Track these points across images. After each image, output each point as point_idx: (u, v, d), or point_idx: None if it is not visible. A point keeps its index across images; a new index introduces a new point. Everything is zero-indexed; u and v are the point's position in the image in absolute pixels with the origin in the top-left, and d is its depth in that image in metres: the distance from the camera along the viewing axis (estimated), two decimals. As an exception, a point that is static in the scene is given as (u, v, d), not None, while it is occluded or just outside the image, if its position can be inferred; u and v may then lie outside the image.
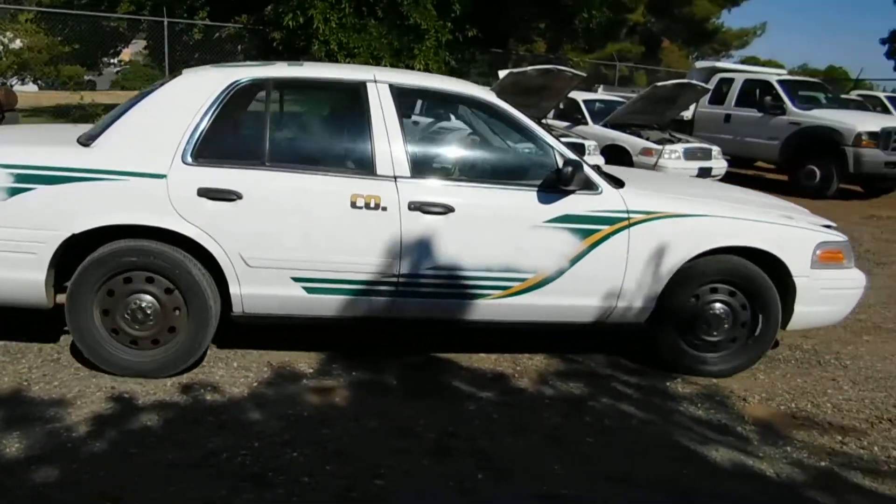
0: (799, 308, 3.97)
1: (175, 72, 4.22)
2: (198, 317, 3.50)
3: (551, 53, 18.29)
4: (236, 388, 3.42)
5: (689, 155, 10.78)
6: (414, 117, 4.59)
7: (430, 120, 4.62)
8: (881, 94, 17.70)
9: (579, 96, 12.55)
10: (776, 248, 3.91)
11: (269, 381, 3.52)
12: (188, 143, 3.48)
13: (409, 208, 3.59)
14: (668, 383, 3.84)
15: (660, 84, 11.72)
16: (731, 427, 3.41)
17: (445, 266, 3.68)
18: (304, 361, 3.78)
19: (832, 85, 18.08)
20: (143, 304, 3.45)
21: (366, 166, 3.66)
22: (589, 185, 3.75)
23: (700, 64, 15.78)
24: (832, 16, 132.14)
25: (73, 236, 3.37)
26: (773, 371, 4.12)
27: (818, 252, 3.96)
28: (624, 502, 2.74)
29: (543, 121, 11.09)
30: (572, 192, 3.70)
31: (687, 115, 13.11)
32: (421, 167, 3.77)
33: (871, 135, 10.58)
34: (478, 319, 3.88)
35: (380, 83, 3.76)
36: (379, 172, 3.62)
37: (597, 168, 4.07)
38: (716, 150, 11.28)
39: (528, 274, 3.73)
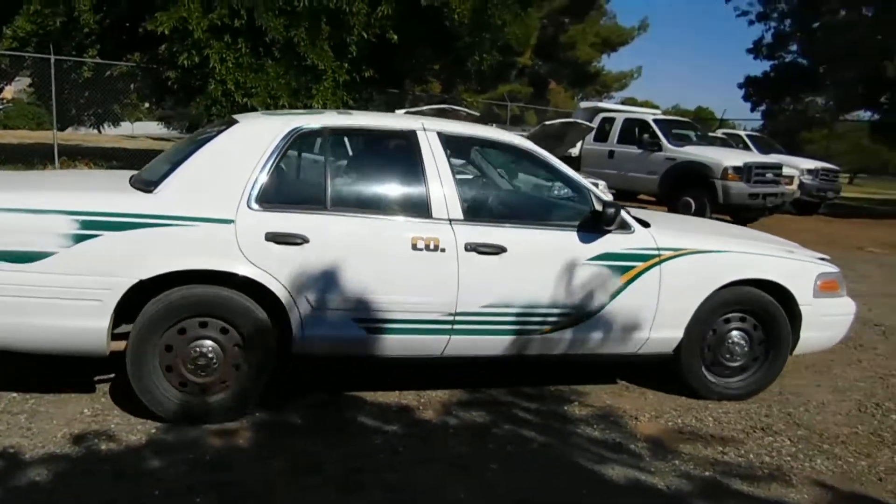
0: (805, 334, 4.29)
1: (228, 119, 4.11)
2: (260, 360, 3.50)
3: (446, 94, 18.66)
4: (133, 436, 3.24)
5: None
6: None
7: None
8: (742, 133, 18.99)
9: (473, 135, 12.80)
10: (786, 279, 4.22)
11: (169, 426, 3.36)
12: (252, 188, 3.49)
13: (466, 249, 3.68)
14: (565, 407, 3.93)
15: (548, 123, 12.11)
16: (624, 445, 3.52)
17: (499, 304, 3.77)
18: (205, 404, 3.65)
19: (701, 124, 19.28)
20: (205, 350, 3.40)
21: (422, 210, 3.72)
22: (624, 226, 3.95)
23: (584, 104, 16.48)
24: (699, 62, 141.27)
25: (141, 282, 3.29)
26: (659, 390, 4.29)
27: (818, 282, 4.29)
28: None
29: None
30: (609, 231, 3.89)
31: (574, 151, 13.62)
32: (473, 210, 3.88)
33: (736, 169, 11.32)
34: (528, 354, 3.98)
35: (429, 131, 3.90)
36: (435, 216, 3.70)
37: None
38: (602, 184, 11.67)
39: (573, 309, 3.88)
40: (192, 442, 3.22)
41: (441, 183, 3.77)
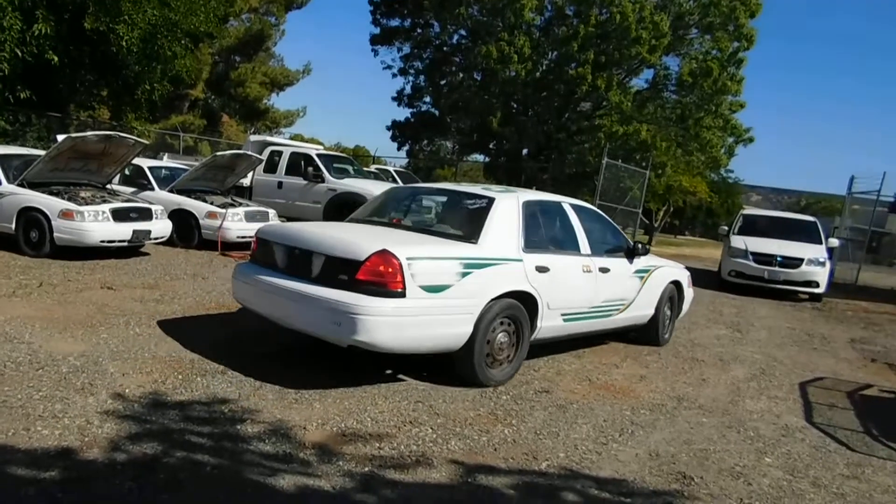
0: (684, 307, 7.39)
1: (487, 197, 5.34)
2: (524, 342, 5.10)
3: (115, 121, 16.75)
4: None
5: (250, 217, 10.86)
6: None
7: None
8: (391, 168, 20.35)
9: (145, 163, 11.71)
10: (682, 278, 7.16)
11: None
12: (520, 238, 5.12)
13: (600, 270, 5.79)
14: (238, 426, 3.70)
15: (220, 154, 11.61)
16: (294, 455, 3.44)
17: (607, 299, 5.92)
18: None
19: (358, 160, 20.14)
20: (502, 337, 4.91)
21: (576, 248, 5.72)
22: (644, 254, 6.47)
23: (253, 137, 16.08)
24: (357, 105, 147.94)
25: (491, 300, 4.70)
26: (326, 399, 4.30)
27: (688, 280, 7.36)
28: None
29: (109, 186, 10.07)
30: (637, 257, 6.36)
31: (246, 182, 13.22)
32: (592, 248, 5.85)
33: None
34: (610, 329, 6.27)
35: (565, 202, 6.05)
36: (582, 252, 5.73)
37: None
38: (272, 212, 11.58)
39: (626, 300, 6.23)
40: None
41: (578, 233, 5.80)
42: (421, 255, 4.45)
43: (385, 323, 4.22)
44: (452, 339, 4.59)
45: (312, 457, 3.44)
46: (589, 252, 5.76)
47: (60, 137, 8.86)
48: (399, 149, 32.25)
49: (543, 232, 5.53)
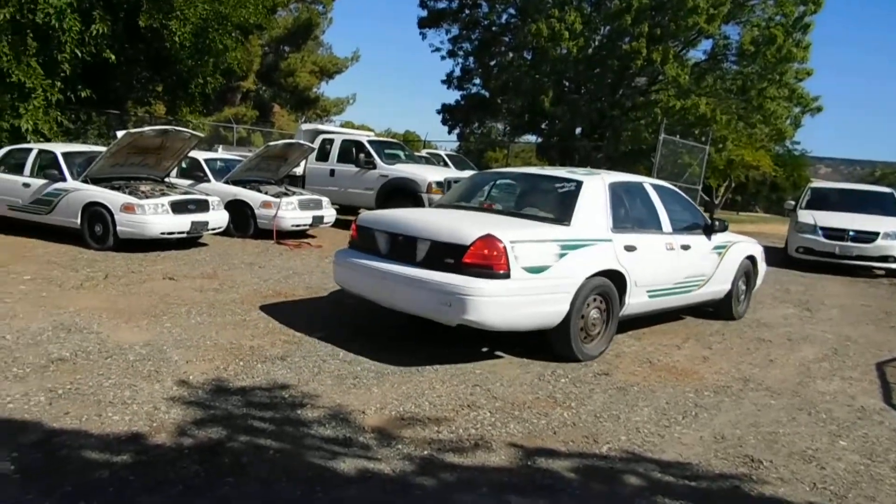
0: (758, 280, 7.55)
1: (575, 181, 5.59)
2: (614, 318, 5.32)
3: (171, 116, 17.28)
4: None
5: (304, 206, 11.05)
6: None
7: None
8: (442, 152, 20.32)
9: (200, 156, 12.04)
10: (757, 253, 7.28)
11: None
12: (609, 219, 5.35)
13: (681, 248, 5.98)
14: (298, 411, 3.80)
15: (272, 144, 11.82)
16: (354, 439, 3.50)
17: (688, 275, 6.13)
18: None
19: (408, 145, 20.21)
20: (595, 314, 5.15)
21: (659, 227, 5.90)
22: (722, 230, 6.56)
23: (305, 126, 16.29)
24: (406, 90, 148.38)
25: (585, 279, 4.93)
26: (384, 384, 4.36)
27: (762, 255, 7.49)
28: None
29: (167, 179, 10.41)
30: (715, 234, 6.48)
31: (299, 170, 13.43)
32: (674, 226, 6.03)
33: (438, 183, 12.02)
34: (690, 304, 6.46)
35: (646, 182, 6.26)
36: (665, 230, 5.92)
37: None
38: (325, 200, 11.75)
39: (705, 276, 6.38)
40: None
41: (660, 213, 5.97)
42: (522, 238, 4.71)
43: (492, 303, 4.50)
44: (551, 317, 4.84)
45: (372, 441, 3.50)
46: (671, 230, 5.97)
47: (120, 133, 9.20)
48: (450, 132, 32.25)
49: (629, 212, 5.74)
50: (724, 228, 6.58)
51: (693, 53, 25.61)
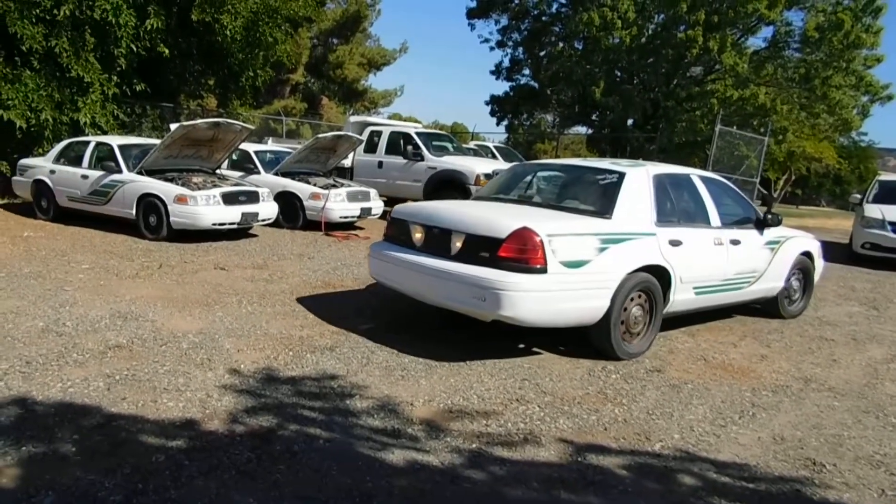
0: (815, 277, 7.15)
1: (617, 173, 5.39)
2: (657, 316, 5.15)
3: (222, 108, 17.66)
4: None
5: (352, 197, 11.18)
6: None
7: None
8: (490, 144, 20.23)
9: (250, 148, 12.29)
10: (813, 249, 7.00)
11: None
12: (653, 213, 5.19)
13: (731, 243, 5.78)
14: (347, 402, 3.86)
15: (321, 136, 11.98)
16: (402, 430, 3.54)
17: (738, 271, 5.90)
18: (-39, 442, 3.05)
19: (456, 137, 20.21)
20: (637, 310, 5.00)
21: (707, 221, 5.71)
22: (776, 224, 6.29)
23: (353, 118, 16.46)
24: (454, 81, 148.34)
25: (627, 274, 4.79)
26: (432, 376, 4.39)
27: (819, 251, 7.23)
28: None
29: (218, 171, 10.66)
30: (768, 228, 6.27)
31: (347, 162, 13.58)
32: (723, 220, 5.83)
33: (486, 175, 11.98)
34: (741, 302, 6.25)
35: (694, 174, 6.06)
36: (713, 225, 5.73)
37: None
38: (373, 192, 11.86)
39: (757, 272, 6.15)
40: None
41: (709, 206, 5.78)
42: (560, 231, 4.59)
43: (528, 298, 4.39)
44: (590, 313, 4.72)
45: (420, 432, 3.52)
46: (719, 224, 5.78)
47: (173, 126, 9.46)
48: (498, 124, 32.11)
49: (674, 205, 5.53)
50: (777, 223, 6.32)
51: (752, 41, 24.92)
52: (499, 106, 31.22)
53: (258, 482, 2.87)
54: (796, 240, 6.79)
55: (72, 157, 10.39)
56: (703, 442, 3.68)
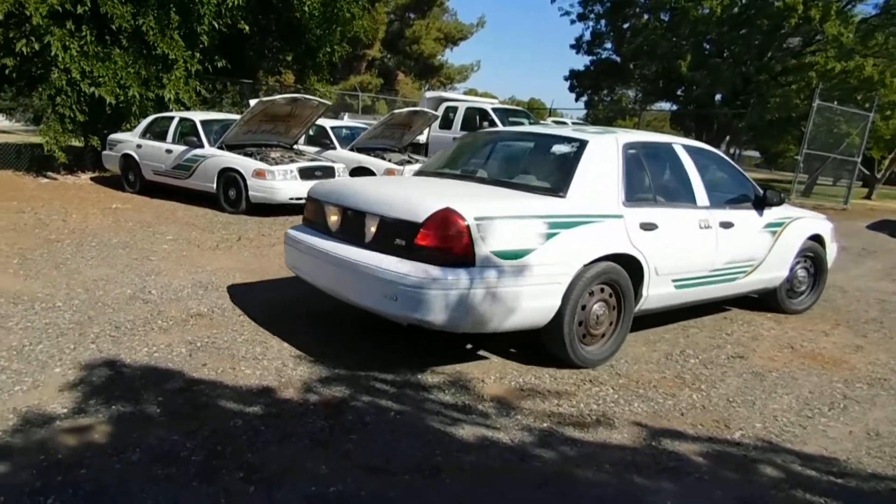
0: (828, 264, 6.24)
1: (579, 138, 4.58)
2: (627, 316, 4.39)
3: (299, 84, 18.06)
4: (-15, 440, 2.87)
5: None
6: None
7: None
8: (568, 121, 19.92)
9: (327, 123, 12.54)
10: (824, 231, 6.10)
11: (16, 428, 3.01)
12: (620, 190, 4.32)
13: (721, 226, 4.91)
14: (419, 376, 3.93)
15: (396, 111, 12.10)
16: (473, 406, 3.58)
17: (731, 260, 5.04)
18: (56, 402, 3.29)
19: (533, 113, 19.97)
20: (599, 308, 4.23)
21: (691, 199, 4.83)
22: (777, 203, 5.44)
23: (429, 94, 16.53)
24: (532, 56, 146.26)
25: (584, 266, 4.01)
26: (503, 353, 4.40)
27: (832, 233, 6.28)
28: (382, 489, 2.73)
29: (295, 146, 10.94)
30: (768, 208, 5.43)
31: (422, 138, 13.66)
32: (712, 199, 4.95)
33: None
34: (735, 294, 5.40)
35: (677, 144, 5.09)
36: (699, 204, 4.84)
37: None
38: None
39: (754, 260, 5.30)
40: (41, 442, 2.90)
41: (695, 182, 4.91)
42: (493, 213, 3.73)
43: (450, 297, 3.56)
44: (536, 315, 3.92)
45: (491, 409, 3.55)
46: (707, 203, 4.88)
47: (252, 102, 9.77)
48: (577, 100, 31.48)
49: (650, 181, 4.66)
50: (779, 202, 5.44)
51: (861, 8, 23.35)
52: (578, 81, 30.58)
53: (330, 451, 2.97)
54: (803, 221, 5.87)
55: (157, 132, 10.90)
56: (787, 433, 3.55)
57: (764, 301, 5.97)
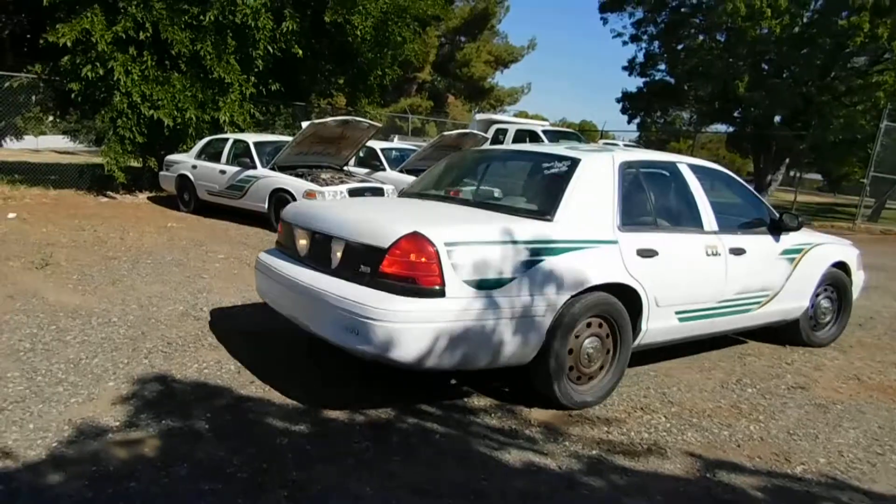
0: (854, 293, 5.82)
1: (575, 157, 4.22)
2: (624, 352, 4.01)
3: (350, 107, 18.43)
4: (32, 451, 2.97)
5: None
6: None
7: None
8: (620, 143, 19.75)
9: (377, 145, 12.72)
10: (849, 259, 5.69)
11: (70, 439, 3.10)
12: (615, 213, 4.00)
13: (731, 252, 4.55)
14: (465, 399, 3.91)
15: (446, 133, 12.19)
16: (520, 431, 3.54)
17: (742, 290, 4.67)
18: (109, 415, 3.38)
19: (584, 135, 19.88)
20: (591, 344, 3.85)
21: (697, 224, 4.48)
22: (797, 228, 5.06)
23: (479, 116, 16.66)
24: (583, 79, 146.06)
25: (571, 297, 3.65)
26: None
27: (859, 260, 5.88)
28: (430, 512, 2.72)
29: (345, 168, 11.13)
30: (786, 233, 5.05)
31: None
32: (721, 223, 4.60)
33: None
34: (749, 326, 5.02)
35: (682, 163, 4.72)
36: (706, 229, 4.49)
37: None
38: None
39: (770, 290, 4.92)
40: (93, 454, 2.98)
41: (703, 205, 4.57)
42: (466, 238, 3.46)
43: (416, 332, 3.25)
44: (517, 352, 3.56)
45: (538, 434, 3.50)
46: (715, 228, 4.53)
47: (304, 124, 9.99)
48: (630, 122, 31.20)
49: (650, 203, 4.33)
50: (797, 226, 5.04)
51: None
52: (631, 103, 30.32)
53: (374, 472, 2.97)
54: (825, 247, 5.47)
55: (211, 153, 11.25)
56: (854, 469, 3.40)
57: (786, 335, 5.54)
